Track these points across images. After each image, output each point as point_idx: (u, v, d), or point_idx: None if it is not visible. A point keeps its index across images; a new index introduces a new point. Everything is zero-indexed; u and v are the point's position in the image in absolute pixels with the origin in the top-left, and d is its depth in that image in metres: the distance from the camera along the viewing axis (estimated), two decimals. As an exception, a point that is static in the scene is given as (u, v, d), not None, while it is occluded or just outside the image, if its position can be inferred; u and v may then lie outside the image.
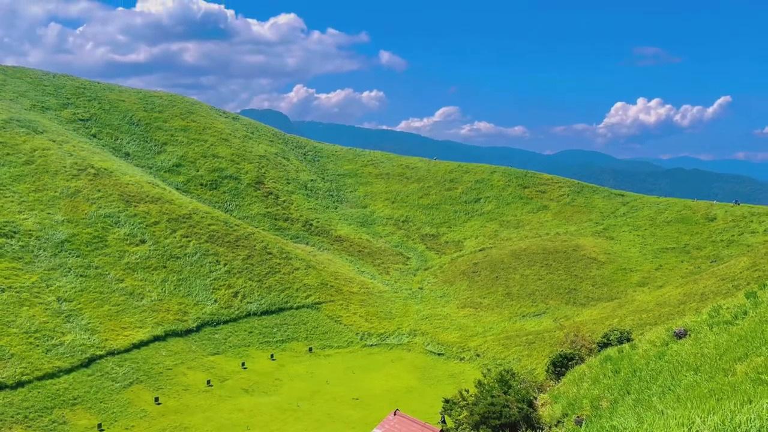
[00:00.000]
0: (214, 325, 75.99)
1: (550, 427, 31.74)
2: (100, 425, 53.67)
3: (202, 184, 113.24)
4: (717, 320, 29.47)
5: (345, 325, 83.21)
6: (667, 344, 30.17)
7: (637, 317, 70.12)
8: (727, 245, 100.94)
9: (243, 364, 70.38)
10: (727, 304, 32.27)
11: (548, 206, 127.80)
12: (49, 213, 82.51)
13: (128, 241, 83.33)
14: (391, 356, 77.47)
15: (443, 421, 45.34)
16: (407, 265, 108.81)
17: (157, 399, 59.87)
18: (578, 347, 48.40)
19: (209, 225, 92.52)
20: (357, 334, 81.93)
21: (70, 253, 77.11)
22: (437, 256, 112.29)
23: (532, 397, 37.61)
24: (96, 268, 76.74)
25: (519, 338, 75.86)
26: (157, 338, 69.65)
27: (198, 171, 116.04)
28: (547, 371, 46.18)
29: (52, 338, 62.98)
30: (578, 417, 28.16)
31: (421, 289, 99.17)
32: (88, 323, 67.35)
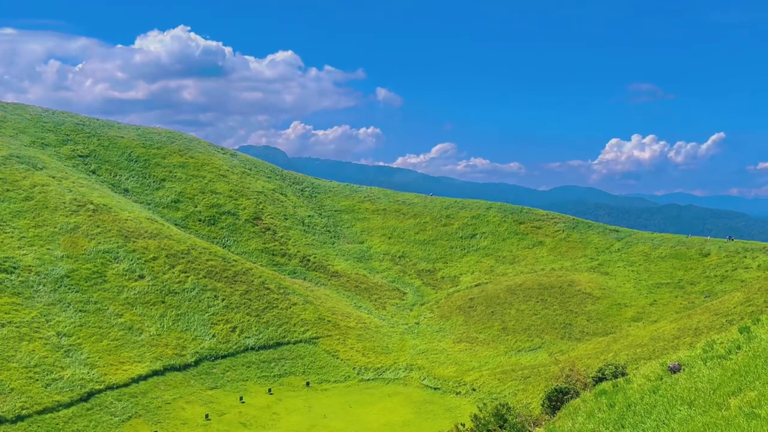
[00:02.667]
0: (213, 360, 76.42)
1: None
2: (99, 459, 53.98)
3: (200, 220, 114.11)
4: (711, 355, 29.72)
5: (342, 360, 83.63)
6: (662, 378, 30.39)
7: (631, 352, 70.73)
8: (720, 280, 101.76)
9: (241, 398, 70.75)
10: (721, 338, 32.47)
11: (544, 242, 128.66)
12: (48, 248, 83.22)
13: (127, 277, 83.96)
14: (387, 390, 77.84)
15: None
16: (404, 300, 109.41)
17: (155, 433, 60.19)
18: (573, 381, 48.88)
19: (207, 260, 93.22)
20: (354, 368, 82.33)
21: (69, 289, 77.71)
22: (433, 292, 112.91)
23: (527, 431, 38.13)
24: (95, 303, 77.30)
25: (515, 373, 76.32)
26: (155, 373, 70.05)
27: (196, 207, 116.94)
28: (542, 405, 46.63)
29: (52, 373, 63.42)
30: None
31: (417, 323, 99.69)
32: (88, 358, 67.82)
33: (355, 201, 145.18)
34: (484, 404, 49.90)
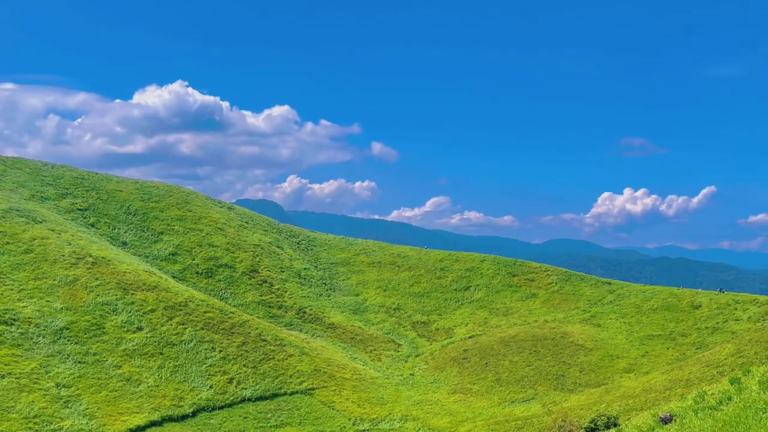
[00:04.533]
0: (210, 411, 77.00)
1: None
2: None
3: (197, 273, 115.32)
4: (702, 406, 30.23)
5: (338, 411, 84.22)
6: (653, 429, 30.72)
7: (623, 403, 71.58)
8: (711, 332, 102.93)
9: (238, 449, 71.32)
10: (712, 390, 33.00)
11: (537, 294, 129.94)
12: (48, 301, 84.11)
13: (125, 329, 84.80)
14: (383, 442, 78.38)
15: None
16: (399, 351, 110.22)
17: (153, 484, 60.70)
18: None
19: (205, 312, 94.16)
20: (350, 419, 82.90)
21: (68, 340, 78.51)
22: (428, 343, 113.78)
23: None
24: (94, 354, 78.07)
25: (508, 423, 77.04)
26: (153, 423, 70.62)
27: (194, 260, 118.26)
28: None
29: (51, 423, 64.05)
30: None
31: (412, 375, 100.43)
32: (87, 408, 68.48)
33: (350, 254, 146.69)
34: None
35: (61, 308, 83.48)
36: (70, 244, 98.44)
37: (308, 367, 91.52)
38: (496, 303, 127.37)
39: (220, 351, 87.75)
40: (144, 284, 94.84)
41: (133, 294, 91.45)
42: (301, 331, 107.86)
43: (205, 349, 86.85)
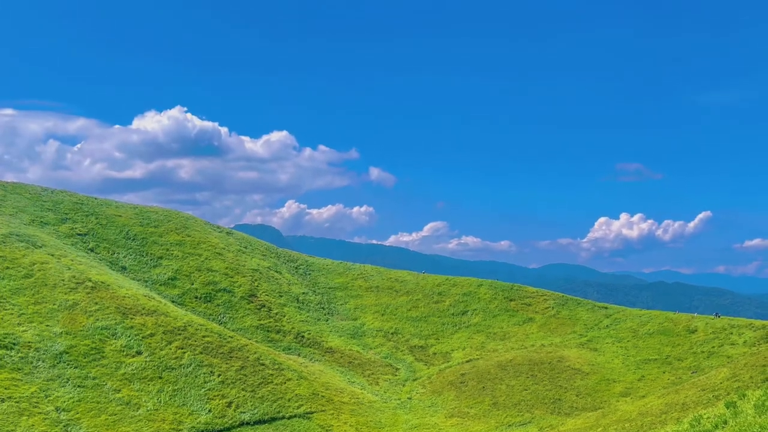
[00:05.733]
0: (208, 435, 77.28)
1: None
2: None
3: (196, 297, 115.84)
4: (698, 429, 30.74)
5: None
6: None
7: (620, 426, 72.05)
8: (707, 356, 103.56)
9: (236, 473, 71.56)
10: (708, 413, 33.52)
11: (534, 318, 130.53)
12: (47, 325, 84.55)
13: (125, 353, 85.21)
14: (381, 466, 78.64)
15: None
16: (396, 375, 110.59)
17: (153, 508, 60.93)
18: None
19: (204, 337, 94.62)
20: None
21: (68, 364, 78.90)
22: (425, 367, 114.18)
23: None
24: (93, 378, 78.45)
25: (507, 447, 77.44)
26: (152, 448, 70.93)
27: (193, 284, 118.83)
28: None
29: (52, 447, 64.36)
30: None
31: (409, 399, 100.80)
32: (86, 432, 68.79)
33: (348, 278, 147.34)
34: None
35: (61, 332, 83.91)
36: (69, 268, 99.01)
37: (306, 391, 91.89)
38: (494, 327, 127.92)
39: (219, 375, 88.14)
40: (143, 309, 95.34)
41: (132, 318, 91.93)
42: (299, 355, 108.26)
43: (204, 373, 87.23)
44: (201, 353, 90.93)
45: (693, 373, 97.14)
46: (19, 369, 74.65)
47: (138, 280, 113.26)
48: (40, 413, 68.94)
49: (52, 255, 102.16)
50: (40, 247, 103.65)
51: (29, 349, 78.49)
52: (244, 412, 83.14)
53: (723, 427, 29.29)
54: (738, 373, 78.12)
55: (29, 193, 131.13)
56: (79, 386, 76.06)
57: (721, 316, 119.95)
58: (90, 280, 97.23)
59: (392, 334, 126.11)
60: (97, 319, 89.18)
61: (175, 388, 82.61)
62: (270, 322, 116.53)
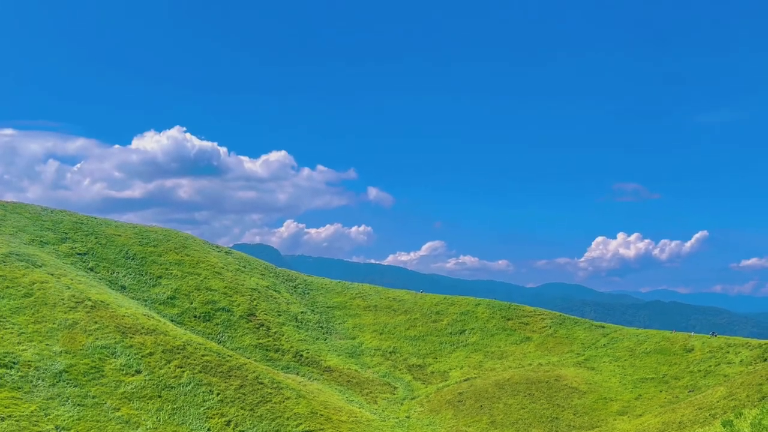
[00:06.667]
0: (208, 454, 77.50)
1: None
2: None
3: (195, 316, 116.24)
4: None
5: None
6: None
7: (617, 444, 72.61)
8: (704, 375, 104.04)
9: (236, 492, 71.73)
10: None
11: (531, 337, 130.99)
12: (47, 344, 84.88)
13: (124, 372, 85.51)
14: (380, 485, 78.80)
15: None
16: (394, 394, 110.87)
17: None
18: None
19: (203, 356, 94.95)
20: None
21: (67, 383, 79.19)
22: (423, 386, 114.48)
23: None
24: (93, 397, 78.73)
25: (505, 466, 77.75)
26: (152, 466, 71.13)
27: (192, 303, 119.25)
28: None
29: (52, 465, 64.59)
30: None
31: (407, 417, 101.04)
32: (86, 451, 69.01)
33: (347, 298, 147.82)
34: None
35: (61, 351, 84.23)
36: (69, 288, 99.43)
37: (305, 409, 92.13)
38: (491, 346, 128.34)
39: (218, 394, 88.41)
40: (142, 328, 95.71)
41: (131, 337, 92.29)
42: (297, 374, 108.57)
43: (203, 392, 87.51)
44: (200, 372, 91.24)
45: (690, 392, 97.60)
46: (19, 388, 74.94)
47: (137, 300, 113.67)
48: (40, 432, 69.19)
49: (52, 274, 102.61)
50: (40, 266, 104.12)
51: (29, 368, 78.79)
52: (243, 431, 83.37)
53: (720, 445, 29.76)
54: (735, 392, 78.67)
55: (29, 213, 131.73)
56: (78, 405, 76.34)
57: (717, 335, 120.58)
58: (89, 300, 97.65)
59: (390, 353, 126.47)
60: (97, 338, 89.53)
61: (175, 406, 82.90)
62: (269, 341, 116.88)
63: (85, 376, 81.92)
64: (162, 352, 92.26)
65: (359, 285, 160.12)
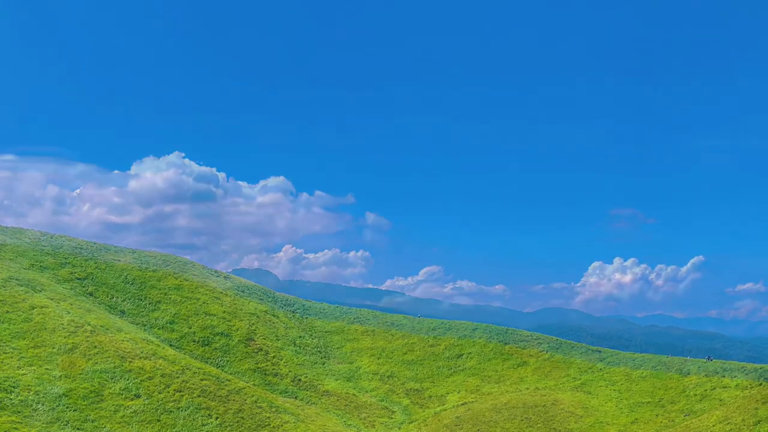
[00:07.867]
0: (207, 478, 77.79)
1: None
2: None
3: (194, 341, 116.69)
4: None
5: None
6: None
7: (614, 467, 73.15)
8: (700, 399, 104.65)
9: None
10: None
11: (528, 362, 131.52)
12: (47, 368, 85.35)
13: (123, 396, 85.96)
14: None
15: None
16: (392, 418, 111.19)
17: None
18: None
19: (201, 380, 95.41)
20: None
21: (67, 407, 79.65)
22: (421, 410, 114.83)
23: None
24: (92, 421, 79.16)
25: (502, 490, 78.13)
26: (152, 490, 71.41)
27: (191, 328, 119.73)
28: None
29: (53, 489, 64.94)
30: None
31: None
32: (87, 475, 69.36)
33: (345, 322, 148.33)
34: None
35: (60, 376, 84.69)
36: (68, 312, 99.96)
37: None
38: (488, 371, 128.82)
39: (217, 418, 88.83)
40: (142, 352, 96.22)
41: (130, 362, 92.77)
42: (296, 398, 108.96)
43: (202, 416, 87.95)
44: (199, 396, 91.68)
45: (686, 416, 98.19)
46: (19, 412, 75.39)
47: (136, 324, 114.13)
48: (41, 456, 69.56)
49: (52, 299, 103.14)
50: (40, 291, 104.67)
51: (29, 392, 79.25)
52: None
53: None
54: (730, 416, 79.51)
55: (29, 238, 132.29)
56: (78, 429, 76.76)
57: (713, 360, 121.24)
58: (89, 324, 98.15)
59: (388, 377, 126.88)
60: (96, 363, 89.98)
61: (174, 430, 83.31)
62: (267, 365, 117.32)
63: (84, 400, 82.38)
64: (161, 376, 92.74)
65: (357, 309, 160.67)
